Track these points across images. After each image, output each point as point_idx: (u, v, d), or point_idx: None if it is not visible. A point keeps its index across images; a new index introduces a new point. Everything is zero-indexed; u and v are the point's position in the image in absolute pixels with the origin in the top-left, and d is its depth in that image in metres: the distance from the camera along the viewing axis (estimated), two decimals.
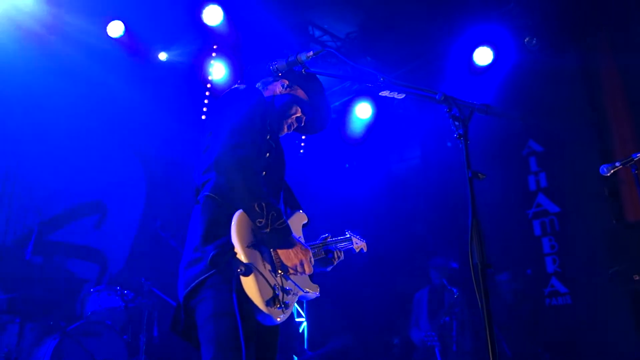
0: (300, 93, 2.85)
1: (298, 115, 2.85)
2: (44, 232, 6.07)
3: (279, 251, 2.39)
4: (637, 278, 5.02)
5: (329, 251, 2.85)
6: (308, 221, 2.80)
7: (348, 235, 3.13)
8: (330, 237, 2.93)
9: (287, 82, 2.83)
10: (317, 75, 2.87)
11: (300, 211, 2.80)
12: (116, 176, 7.24)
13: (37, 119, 6.58)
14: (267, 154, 2.55)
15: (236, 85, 2.73)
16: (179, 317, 2.45)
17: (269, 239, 2.33)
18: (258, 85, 2.89)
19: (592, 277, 6.13)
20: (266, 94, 2.83)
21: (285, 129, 2.84)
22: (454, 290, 6.43)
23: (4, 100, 6.32)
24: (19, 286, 5.36)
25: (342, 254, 2.92)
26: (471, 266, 2.02)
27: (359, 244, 3.16)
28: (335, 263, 2.87)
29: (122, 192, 7.32)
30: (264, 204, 2.29)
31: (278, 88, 2.84)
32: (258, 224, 2.30)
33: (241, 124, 2.43)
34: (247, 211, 2.31)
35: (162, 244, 6.16)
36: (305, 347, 8.00)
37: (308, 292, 2.54)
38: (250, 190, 2.29)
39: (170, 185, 7.38)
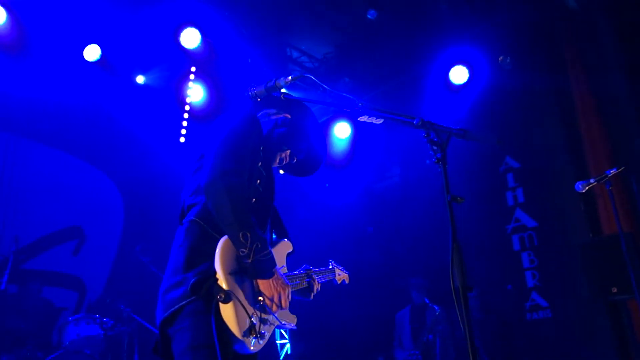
0: (298, 131, 2.82)
1: (289, 151, 2.83)
2: (19, 260, 5.96)
3: (259, 281, 2.38)
4: (615, 290, 5.09)
5: (310, 282, 2.83)
6: (293, 250, 2.79)
7: (331, 267, 3.13)
8: (312, 269, 2.91)
9: (289, 116, 2.82)
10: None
11: (286, 240, 2.79)
12: (93, 201, 7.16)
13: (11, 146, 6.49)
14: (258, 181, 2.54)
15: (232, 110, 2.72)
16: (159, 342, 2.43)
17: (250, 269, 2.32)
18: (260, 114, 2.86)
19: (571, 290, 6.20)
20: (265, 123, 2.80)
21: (277, 161, 2.81)
22: (436, 308, 6.44)
23: None
24: None
25: (320, 286, 2.90)
26: (452, 289, 2.03)
27: (341, 276, 3.16)
28: (311, 297, 2.85)
29: (100, 217, 7.23)
30: (248, 234, 2.28)
31: (276, 121, 2.81)
32: (241, 253, 2.29)
33: (233, 150, 2.42)
34: (232, 239, 2.30)
35: (142, 269, 6.07)
36: None
37: (285, 324, 2.53)
38: (236, 219, 2.28)
39: (149, 209, 7.30)
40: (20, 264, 6.13)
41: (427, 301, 6.62)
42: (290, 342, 8.29)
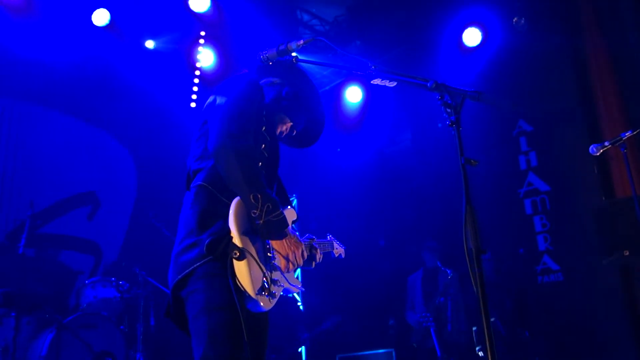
0: (300, 102, 2.80)
1: (291, 124, 2.83)
2: (36, 225, 6.05)
3: (273, 242, 2.41)
4: (627, 254, 5.09)
5: (313, 251, 2.86)
6: (297, 218, 2.81)
7: (329, 240, 3.16)
8: (315, 239, 2.93)
9: (290, 86, 2.79)
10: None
11: (289, 207, 2.81)
12: (106, 167, 7.22)
13: (24, 112, 6.52)
14: (263, 146, 2.55)
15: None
16: (170, 304, 2.47)
17: (262, 230, 2.34)
18: (262, 82, 2.84)
19: (583, 253, 6.20)
20: (267, 91, 2.78)
21: (278, 131, 2.80)
22: (448, 272, 6.50)
23: None
24: (13, 280, 5.36)
25: (322, 257, 2.94)
26: (466, 252, 2.04)
27: (338, 250, 3.20)
28: (313, 265, 2.89)
29: (114, 183, 7.30)
30: (259, 195, 2.29)
31: (280, 91, 2.79)
32: (253, 215, 2.31)
33: (238, 113, 2.42)
34: (245, 201, 2.32)
35: (156, 234, 6.16)
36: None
37: (292, 286, 2.57)
38: (246, 181, 2.29)
39: (161, 173, 7.35)
40: (37, 229, 6.23)
41: (439, 264, 6.66)
42: (303, 304, 8.42)
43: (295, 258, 2.45)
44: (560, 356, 6.16)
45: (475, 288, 1.99)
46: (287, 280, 2.52)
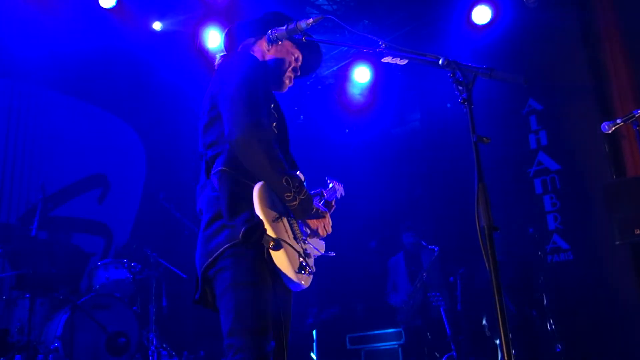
0: (287, 44, 2.75)
1: (294, 65, 2.79)
2: (47, 208, 6.10)
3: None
4: (638, 232, 5.06)
5: (330, 205, 2.83)
6: (304, 179, 2.82)
7: (332, 185, 3.15)
8: (324, 191, 2.94)
9: (269, 43, 2.65)
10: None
11: (299, 172, 2.80)
12: (115, 149, 7.24)
13: (36, 95, 6.54)
14: (274, 124, 2.54)
15: (222, 53, 2.74)
16: (198, 288, 2.49)
17: (297, 211, 2.40)
18: (241, 47, 2.81)
19: (593, 232, 6.18)
20: (256, 56, 2.73)
21: (287, 84, 2.80)
22: (435, 249, 6.55)
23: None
24: (26, 262, 5.42)
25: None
26: (478, 229, 2.03)
27: (339, 190, 3.20)
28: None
29: (123, 165, 7.34)
30: (289, 179, 2.34)
31: (264, 47, 2.75)
32: (287, 198, 2.35)
33: (253, 99, 2.40)
34: (276, 187, 2.35)
35: (166, 216, 6.19)
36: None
37: (320, 251, 2.62)
38: (275, 167, 2.32)
39: (171, 156, 7.38)
40: (48, 212, 6.29)
41: (423, 243, 6.75)
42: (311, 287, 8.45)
43: (325, 228, 2.55)
44: (570, 336, 6.17)
45: (487, 266, 1.99)
46: (316, 248, 2.57)
